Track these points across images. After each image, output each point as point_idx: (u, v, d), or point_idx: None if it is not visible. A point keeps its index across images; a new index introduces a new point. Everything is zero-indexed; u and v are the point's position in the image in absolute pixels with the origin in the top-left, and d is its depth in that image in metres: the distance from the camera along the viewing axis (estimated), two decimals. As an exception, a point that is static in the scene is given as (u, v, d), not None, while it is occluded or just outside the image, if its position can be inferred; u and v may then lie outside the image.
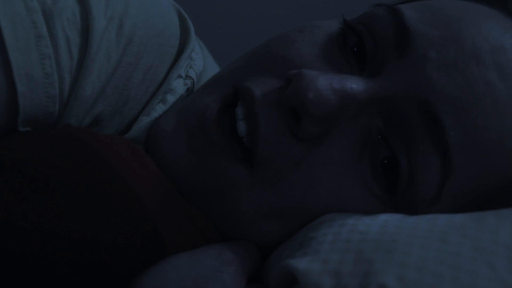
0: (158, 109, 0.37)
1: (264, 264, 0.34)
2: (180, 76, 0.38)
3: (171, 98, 0.37)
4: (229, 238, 0.34)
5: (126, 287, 0.29)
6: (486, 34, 0.32)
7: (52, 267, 0.27)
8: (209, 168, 0.33)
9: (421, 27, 0.32)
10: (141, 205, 0.30)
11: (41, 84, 0.31)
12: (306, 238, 0.31)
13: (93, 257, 0.28)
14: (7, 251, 0.27)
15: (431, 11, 0.34)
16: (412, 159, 0.31)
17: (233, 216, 0.33)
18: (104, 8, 0.33)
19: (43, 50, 0.31)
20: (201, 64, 0.40)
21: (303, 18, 0.58)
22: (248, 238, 0.34)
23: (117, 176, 0.30)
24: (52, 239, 0.28)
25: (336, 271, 0.27)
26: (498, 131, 0.31)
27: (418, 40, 0.32)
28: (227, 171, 0.33)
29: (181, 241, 0.31)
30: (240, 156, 0.33)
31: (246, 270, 0.31)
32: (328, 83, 0.31)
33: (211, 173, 0.33)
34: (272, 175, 0.32)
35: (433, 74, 0.31)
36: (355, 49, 0.34)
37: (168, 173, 0.34)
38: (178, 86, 0.38)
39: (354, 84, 0.32)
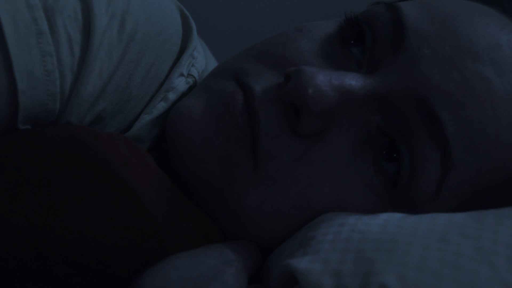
0: (160, 107, 0.37)
1: (264, 263, 0.34)
2: (182, 75, 0.38)
3: (172, 96, 0.37)
4: (230, 236, 0.34)
5: (126, 287, 0.29)
6: (482, 31, 0.33)
7: (52, 267, 0.27)
8: (226, 157, 0.33)
9: (417, 24, 0.33)
10: (141, 205, 0.29)
11: (42, 82, 0.31)
12: (306, 237, 0.31)
13: (93, 257, 0.28)
14: (7, 251, 0.27)
15: (429, 8, 0.34)
16: (412, 154, 0.32)
17: (235, 213, 0.33)
18: (106, 6, 0.33)
19: (44, 47, 0.30)
20: (203, 62, 0.40)
21: (304, 17, 0.58)
22: (249, 236, 0.34)
23: (117, 175, 0.30)
24: (51, 239, 0.27)
25: (337, 271, 0.27)
26: (495, 126, 0.31)
27: (413, 37, 0.32)
28: (240, 162, 0.33)
29: (181, 240, 0.31)
30: (253, 150, 0.33)
31: (247, 270, 0.31)
32: (327, 79, 0.31)
33: (226, 162, 0.33)
34: (273, 172, 0.32)
35: (428, 70, 0.32)
36: (354, 47, 0.35)
37: (184, 161, 0.34)
38: (180, 84, 0.38)
39: (353, 81, 0.32)
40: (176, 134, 0.34)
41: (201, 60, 0.40)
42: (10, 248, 0.27)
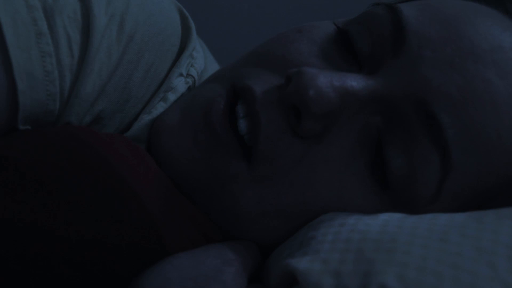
0: (159, 107, 0.37)
1: (264, 263, 0.34)
2: (181, 75, 0.38)
3: (172, 97, 0.37)
4: (229, 237, 0.34)
5: (126, 287, 0.29)
6: (484, 33, 0.32)
7: (52, 268, 0.27)
8: (211, 163, 0.33)
9: (418, 26, 0.33)
10: (142, 205, 0.29)
11: (42, 82, 0.31)
12: (306, 237, 0.31)
13: (93, 257, 0.28)
14: (7, 251, 0.27)
15: (430, 10, 0.34)
16: (411, 156, 0.31)
17: (233, 214, 0.33)
18: (105, 6, 0.33)
19: (44, 48, 0.30)
20: (202, 62, 0.40)
21: (304, 17, 0.58)
22: (248, 237, 0.34)
23: (117, 175, 0.30)
24: (52, 239, 0.27)
25: (337, 271, 0.27)
26: (496, 129, 0.31)
27: (414, 39, 0.32)
28: (229, 166, 0.33)
29: (181, 240, 0.31)
30: (241, 152, 0.33)
31: (247, 269, 0.31)
32: (328, 81, 0.31)
33: (213, 168, 0.33)
34: (272, 173, 0.32)
35: (428, 73, 0.31)
36: (354, 48, 0.35)
37: (171, 169, 0.34)
38: (179, 85, 0.38)
39: (354, 82, 0.32)
40: (158, 145, 0.35)
41: (200, 60, 0.40)
42: (10, 248, 0.27)
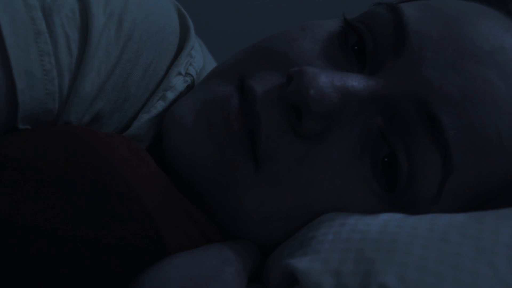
0: (158, 106, 0.37)
1: (265, 263, 0.34)
2: (180, 73, 0.38)
3: (170, 95, 0.37)
4: (229, 237, 0.34)
5: (126, 287, 0.29)
6: (486, 34, 0.32)
7: (52, 267, 0.27)
8: (223, 161, 0.33)
9: (419, 26, 0.33)
10: (141, 205, 0.29)
11: (41, 81, 0.31)
12: (306, 237, 0.31)
13: (94, 257, 0.28)
14: (7, 251, 0.27)
15: (431, 11, 0.34)
16: (412, 157, 0.31)
17: (235, 215, 0.33)
18: (104, 5, 0.33)
19: (42, 47, 0.30)
20: (201, 61, 0.40)
21: (304, 17, 0.58)
22: (248, 237, 0.34)
23: (117, 175, 0.30)
24: (51, 239, 0.27)
25: (337, 271, 0.27)
26: (497, 130, 0.31)
27: (415, 40, 0.32)
28: (239, 165, 0.33)
29: (181, 240, 0.31)
30: (251, 152, 0.33)
31: (247, 269, 0.31)
32: (329, 81, 0.31)
33: (223, 166, 0.33)
34: (274, 173, 0.32)
35: (430, 73, 0.31)
36: (356, 47, 0.35)
37: (180, 164, 0.34)
38: (178, 83, 0.38)
39: (355, 82, 0.32)
40: (170, 138, 0.34)
41: (199, 59, 0.40)
42: (10, 248, 0.27)
